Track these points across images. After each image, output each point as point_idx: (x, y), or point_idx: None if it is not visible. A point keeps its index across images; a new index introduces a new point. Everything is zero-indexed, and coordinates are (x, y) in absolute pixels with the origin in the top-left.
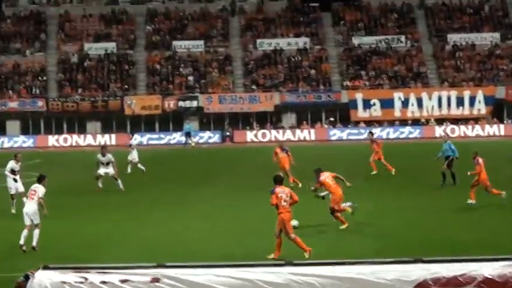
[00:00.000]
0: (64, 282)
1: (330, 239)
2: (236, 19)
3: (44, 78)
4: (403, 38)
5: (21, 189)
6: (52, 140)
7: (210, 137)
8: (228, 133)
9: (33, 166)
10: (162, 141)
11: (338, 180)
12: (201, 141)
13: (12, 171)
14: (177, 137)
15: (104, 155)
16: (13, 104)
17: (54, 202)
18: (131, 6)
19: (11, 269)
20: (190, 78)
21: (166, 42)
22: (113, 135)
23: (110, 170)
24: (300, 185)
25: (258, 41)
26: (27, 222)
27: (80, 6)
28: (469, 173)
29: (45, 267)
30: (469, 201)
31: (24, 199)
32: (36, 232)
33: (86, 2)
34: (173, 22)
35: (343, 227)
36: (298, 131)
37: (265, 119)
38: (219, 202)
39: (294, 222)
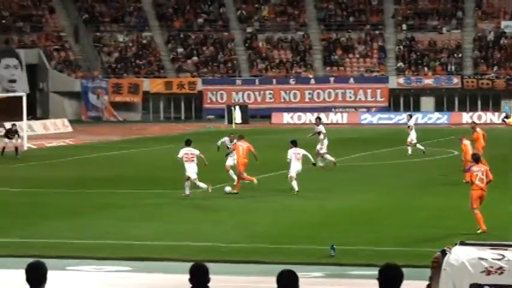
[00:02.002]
0: (481, 259)
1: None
2: None
3: (460, 55)
4: None
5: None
6: (466, 117)
7: None
8: None
9: (446, 143)
10: None
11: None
12: None
13: (227, 148)
14: None
15: None
16: (428, 81)
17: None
18: None
19: (430, 245)
20: None
21: None
22: None
23: None
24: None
25: None
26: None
27: None
28: None
29: (462, 243)
30: None
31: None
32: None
33: None
34: None
35: (231, 189)
36: None
37: None
38: None
39: (227, 188)
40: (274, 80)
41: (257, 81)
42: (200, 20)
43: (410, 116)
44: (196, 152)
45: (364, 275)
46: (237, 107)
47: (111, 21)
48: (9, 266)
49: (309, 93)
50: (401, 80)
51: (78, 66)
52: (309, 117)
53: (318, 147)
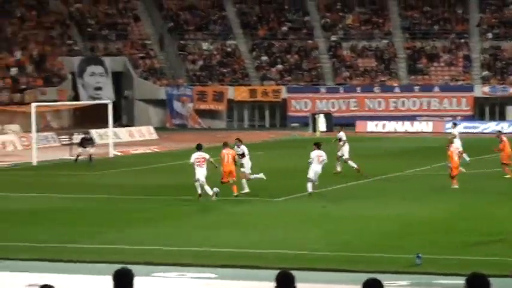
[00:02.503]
0: None
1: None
2: None
3: None
4: None
5: (245, 170)
6: None
7: None
8: None
9: None
10: None
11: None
12: None
13: (238, 155)
14: None
15: None
16: None
17: None
18: None
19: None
20: None
21: None
22: None
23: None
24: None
25: None
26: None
27: None
28: None
29: None
30: None
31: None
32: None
33: None
34: None
35: (235, 194)
36: None
37: None
38: None
39: (215, 189)
40: (358, 88)
41: (341, 90)
42: (284, 28)
43: (455, 125)
44: (207, 156)
45: (451, 284)
46: (322, 115)
47: (195, 30)
48: (96, 272)
49: (394, 102)
50: (486, 89)
51: (163, 74)
52: (394, 126)
53: (339, 153)
